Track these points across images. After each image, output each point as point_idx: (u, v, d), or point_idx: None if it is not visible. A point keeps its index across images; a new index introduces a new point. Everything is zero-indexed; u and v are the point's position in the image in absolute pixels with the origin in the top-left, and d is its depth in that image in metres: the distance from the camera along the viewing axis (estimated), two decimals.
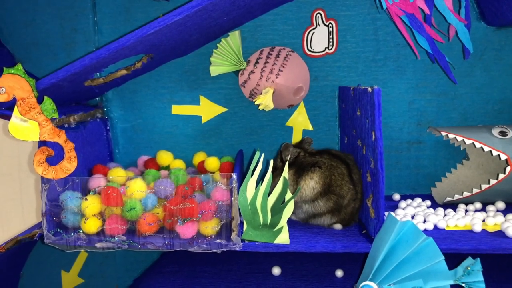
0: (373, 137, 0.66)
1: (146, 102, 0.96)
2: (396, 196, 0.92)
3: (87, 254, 1.03)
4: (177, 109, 0.96)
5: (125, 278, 1.03)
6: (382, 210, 0.67)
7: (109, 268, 1.03)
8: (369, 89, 0.67)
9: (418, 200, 0.87)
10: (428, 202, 0.86)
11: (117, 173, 0.80)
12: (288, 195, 0.69)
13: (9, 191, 1.05)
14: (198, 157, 0.93)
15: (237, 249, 0.69)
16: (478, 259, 0.62)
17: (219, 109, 0.96)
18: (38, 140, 0.68)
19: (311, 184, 0.75)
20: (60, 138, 0.70)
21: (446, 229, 0.74)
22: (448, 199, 0.83)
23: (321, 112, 0.95)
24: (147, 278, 0.90)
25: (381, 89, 0.65)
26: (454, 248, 0.67)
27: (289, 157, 0.78)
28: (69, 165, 0.70)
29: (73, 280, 1.03)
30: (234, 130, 0.96)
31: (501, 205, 0.82)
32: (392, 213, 0.79)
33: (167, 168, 0.91)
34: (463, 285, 0.62)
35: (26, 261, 1.01)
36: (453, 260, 0.65)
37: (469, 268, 0.62)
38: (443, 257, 0.62)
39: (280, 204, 0.69)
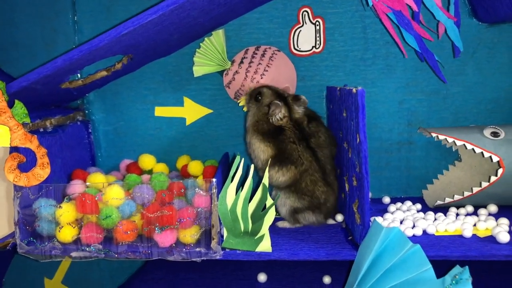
0: (358, 140, 0.64)
1: (129, 104, 0.93)
2: (386, 199, 0.89)
3: (71, 261, 1.01)
4: (161, 111, 0.93)
5: (110, 285, 1.00)
6: (368, 216, 0.64)
7: (94, 275, 1.00)
8: (354, 90, 0.64)
9: (408, 203, 0.84)
10: (419, 206, 0.83)
11: (97, 178, 0.77)
12: (269, 201, 0.66)
13: None
14: (182, 161, 0.90)
15: (218, 257, 0.66)
16: (467, 267, 0.59)
17: (203, 111, 0.93)
18: (9, 146, 0.66)
19: (281, 178, 0.75)
20: (32, 143, 0.67)
21: (436, 234, 0.71)
22: (439, 202, 0.81)
23: None
24: (131, 285, 0.87)
25: (365, 90, 0.62)
26: (443, 255, 0.64)
27: (273, 118, 0.77)
28: (42, 171, 0.68)
29: (56, 287, 1.01)
30: (219, 132, 0.93)
31: (493, 208, 0.79)
32: (379, 218, 0.76)
33: (150, 172, 0.88)
34: None
35: (7, 268, 0.98)
36: (442, 267, 0.62)
37: (457, 276, 0.59)
38: (430, 265, 0.59)
39: (261, 211, 0.66)
